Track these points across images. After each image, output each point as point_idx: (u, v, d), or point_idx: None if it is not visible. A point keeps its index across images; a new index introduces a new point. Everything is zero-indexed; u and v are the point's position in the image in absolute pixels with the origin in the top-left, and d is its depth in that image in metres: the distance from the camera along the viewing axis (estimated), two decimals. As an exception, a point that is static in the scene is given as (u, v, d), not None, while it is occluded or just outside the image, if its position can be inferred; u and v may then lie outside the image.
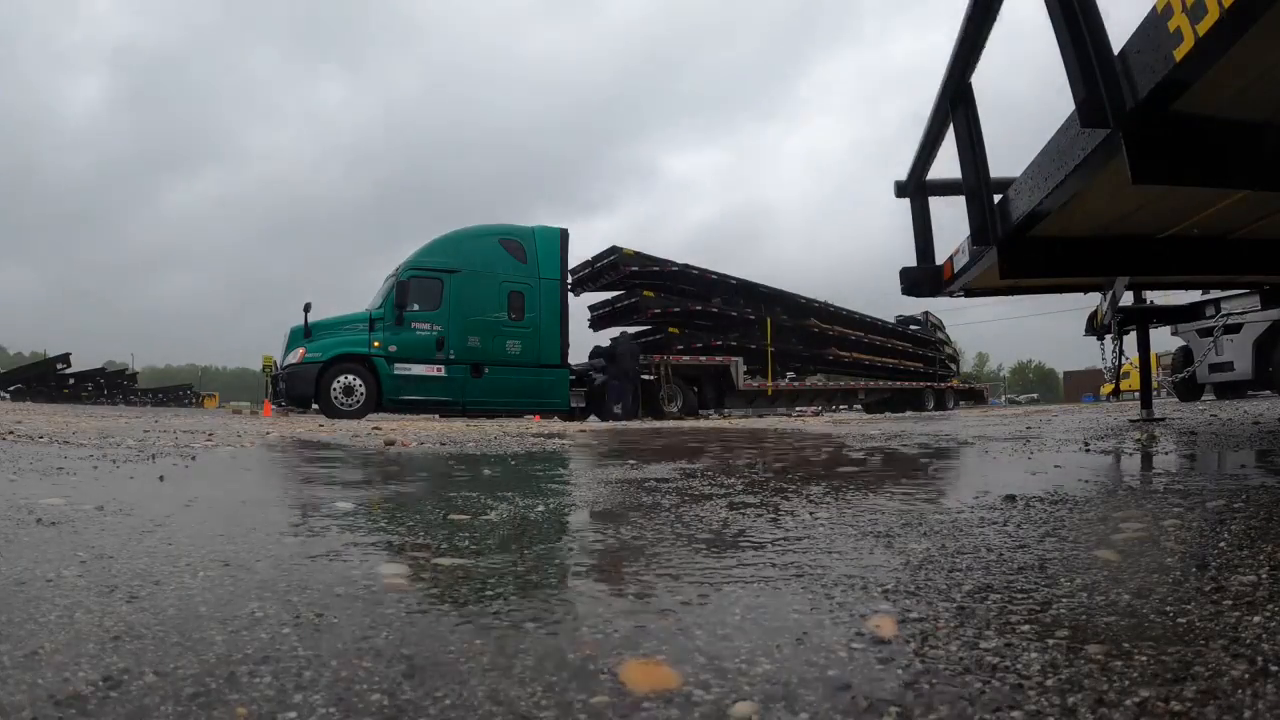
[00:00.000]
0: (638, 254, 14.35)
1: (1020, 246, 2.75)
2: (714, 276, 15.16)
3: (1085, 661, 0.84)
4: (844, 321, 17.19)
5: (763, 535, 1.66)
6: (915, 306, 20.02)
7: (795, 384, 15.78)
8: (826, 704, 0.76)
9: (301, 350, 10.86)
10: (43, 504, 1.94)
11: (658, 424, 10.21)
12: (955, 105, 2.71)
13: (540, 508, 2.09)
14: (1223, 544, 1.37)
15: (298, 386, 10.71)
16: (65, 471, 2.77)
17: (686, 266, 14.78)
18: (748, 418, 14.22)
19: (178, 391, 41.76)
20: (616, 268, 14.17)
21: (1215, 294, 7.69)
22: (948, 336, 21.56)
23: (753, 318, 15.19)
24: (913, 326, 19.74)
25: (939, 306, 19.77)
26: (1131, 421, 5.87)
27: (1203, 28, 1.40)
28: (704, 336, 14.60)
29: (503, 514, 1.96)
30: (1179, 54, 1.49)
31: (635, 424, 10.66)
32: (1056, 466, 3.00)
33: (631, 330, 15.11)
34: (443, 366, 11.45)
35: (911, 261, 3.67)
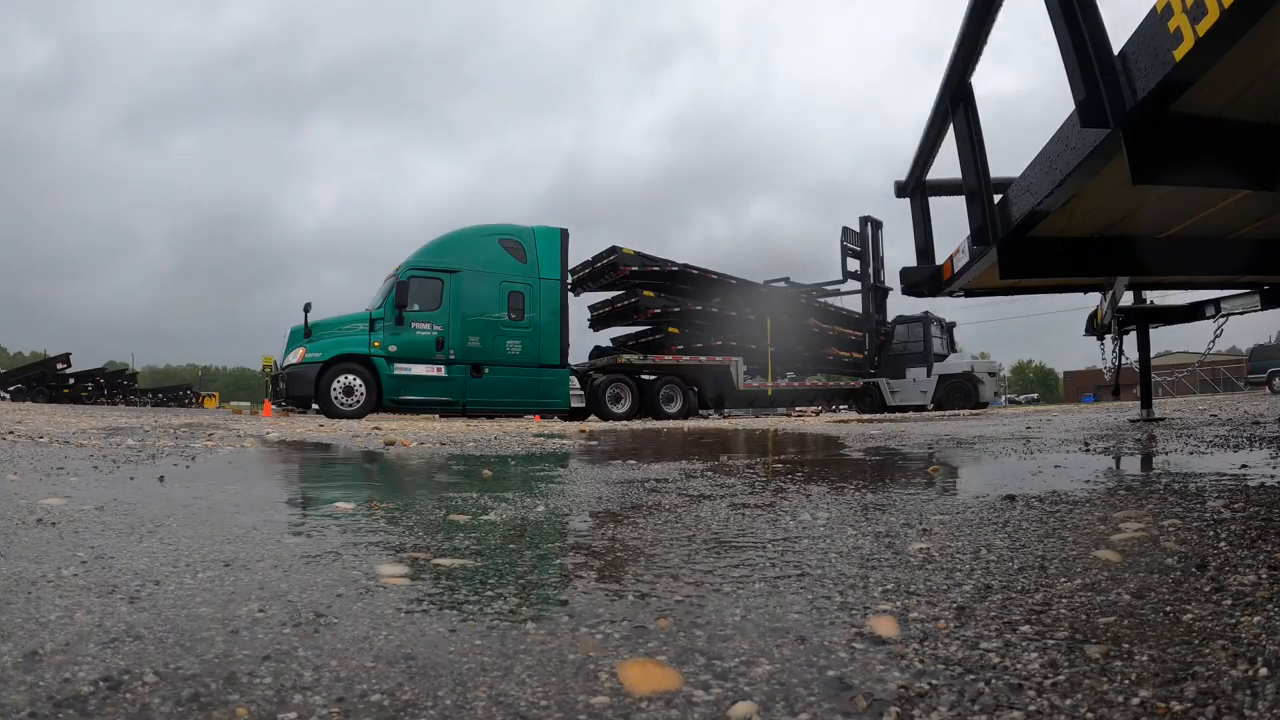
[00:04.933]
0: (638, 254, 14.35)
1: (1020, 246, 2.75)
2: (714, 276, 15.15)
3: (1085, 661, 0.84)
4: (844, 321, 17.20)
5: (763, 535, 1.66)
6: (915, 306, 20.02)
7: (795, 384, 15.76)
8: (826, 704, 0.76)
9: (301, 350, 10.86)
10: (43, 504, 1.94)
11: (658, 424, 10.21)
12: (955, 105, 2.70)
13: (540, 508, 2.10)
14: (1223, 544, 1.38)
15: (298, 386, 10.70)
16: (66, 472, 2.77)
17: (686, 266, 14.77)
18: (747, 418, 14.23)
19: (178, 391, 41.79)
20: (616, 268, 14.16)
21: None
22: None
23: (753, 318, 15.17)
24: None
25: (940, 307, 19.76)
26: (1131, 422, 5.87)
27: (1203, 28, 1.40)
28: (704, 336, 14.59)
29: (503, 514, 1.96)
30: (1179, 54, 1.49)
31: (635, 424, 10.66)
32: (1057, 466, 3.00)
33: (631, 330, 15.09)
34: (443, 366, 11.44)
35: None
